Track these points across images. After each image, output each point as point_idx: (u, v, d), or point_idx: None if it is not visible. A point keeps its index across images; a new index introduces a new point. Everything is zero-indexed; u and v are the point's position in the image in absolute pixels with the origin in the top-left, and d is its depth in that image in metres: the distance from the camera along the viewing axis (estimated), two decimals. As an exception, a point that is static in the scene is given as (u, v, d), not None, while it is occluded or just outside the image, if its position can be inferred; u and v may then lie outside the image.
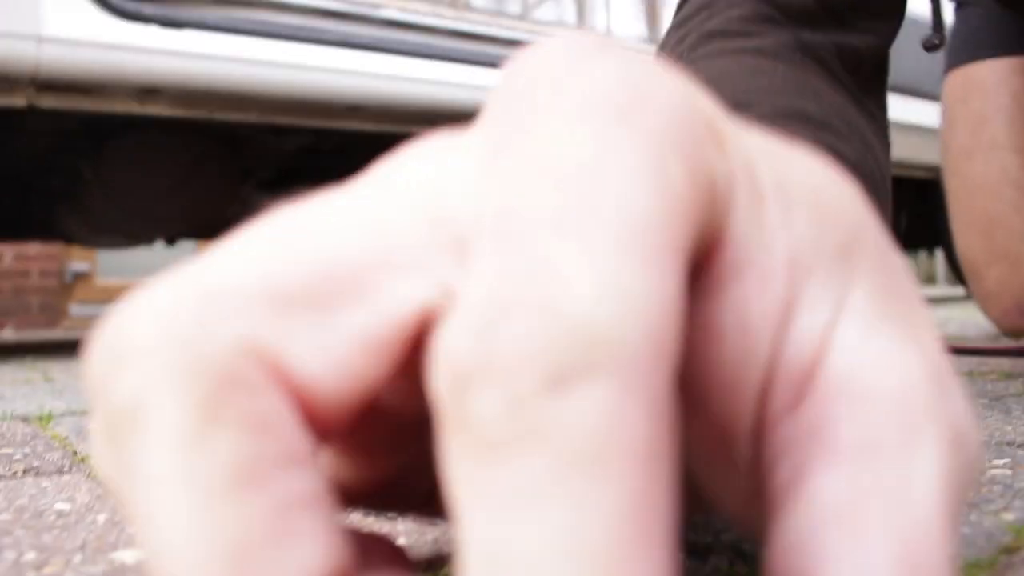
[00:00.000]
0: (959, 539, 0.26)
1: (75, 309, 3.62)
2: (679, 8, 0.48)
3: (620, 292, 0.11)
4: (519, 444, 0.10)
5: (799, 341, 0.14)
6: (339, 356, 0.13)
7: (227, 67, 1.24)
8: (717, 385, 0.14)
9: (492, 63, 1.42)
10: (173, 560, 0.11)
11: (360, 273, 0.13)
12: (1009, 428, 0.44)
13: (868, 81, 0.46)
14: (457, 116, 1.40)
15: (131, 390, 0.12)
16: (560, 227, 0.11)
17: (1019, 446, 0.39)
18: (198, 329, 0.12)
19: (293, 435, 0.12)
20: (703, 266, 0.14)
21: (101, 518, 0.32)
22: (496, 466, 0.10)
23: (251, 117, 1.35)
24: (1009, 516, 0.28)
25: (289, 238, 0.14)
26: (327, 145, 1.76)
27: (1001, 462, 0.36)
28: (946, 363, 0.14)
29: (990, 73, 1.00)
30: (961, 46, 1.05)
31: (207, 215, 1.86)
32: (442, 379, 0.11)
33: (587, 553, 0.10)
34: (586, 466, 0.10)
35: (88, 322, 3.58)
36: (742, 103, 0.35)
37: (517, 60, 0.14)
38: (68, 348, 1.73)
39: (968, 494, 0.14)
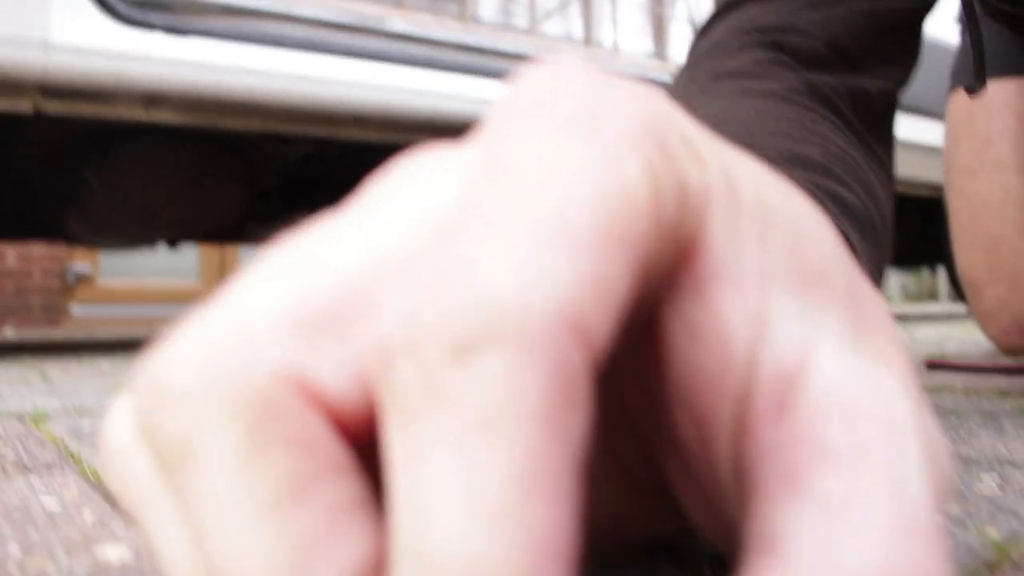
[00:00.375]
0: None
1: (76, 310, 3.63)
2: (692, 47, 0.48)
3: (532, 274, 0.12)
4: (429, 411, 0.11)
5: (777, 353, 0.15)
6: (358, 370, 0.14)
7: (233, 76, 1.25)
8: (698, 386, 0.15)
9: (498, 76, 1.43)
10: (236, 570, 0.13)
11: (372, 291, 0.14)
12: (1000, 445, 0.44)
13: (878, 124, 0.47)
14: (461, 128, 1.41)
15: (181, 428, 0.13)
16: (493, 223, 0.12)
17: (1009, 463, 0.39)
18: (234, 364, 0.13)
19: (332, 449, 0.13)
20: (682, 269, 0.15)
21: (88, 515, 0.32)
22: (412, 432, 0.11)
23: (256, 125, 1.35)
24: (994, 532, 0.28)
25: (305, 264, 0.15)
26: (331, 154, 1.76)
27: (990, 478, 0.36)
28: (917, 387, 0.15)
29: (996, 93, 1.00)
30: (966, 66, 1.05)
31: (210, 220, 1.86)
32: (374, 361, 0.12)
33: (483, 508, 0.10)
34: (483, 429, 0.11)
35: (89, 323, 3.59)
36: (746, 144, 0.35)
37: (512, 84, 0.15)
38: (68, 349, 1.73)
39: (942, 506, 0.15)
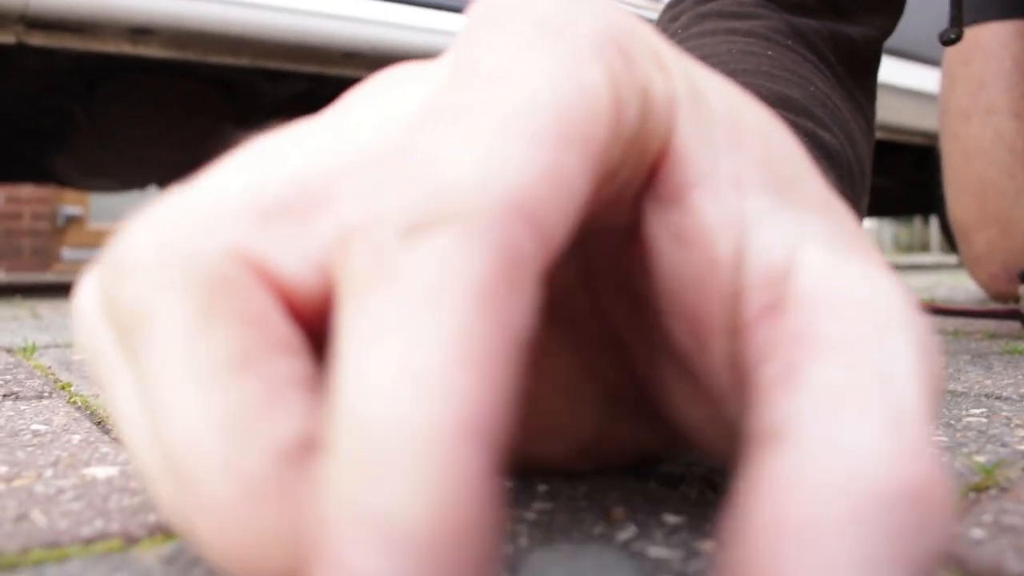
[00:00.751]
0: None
1: (67, 253, 3.61)
2: None
3: (488, 165, 0.12)
4: (378, 286, 0.12)
5: (765, 252, 0.15)
6: (317, 257, 0.14)
7: (221, 8, 1.22)
8: (687, 289, 0.16)
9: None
10: (178, 431, 0.13)
11: (333, 184, 0.15)
12: (989, 382, 0.44)
13: (861, 72, 0.47)
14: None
15: (136, 297, 0.14)
16: (455, 119, 0.13)
17: (996, 398, 0.39)
18: (192, 242, 0.14)
19: (281, 327, 0.14)
20: (658, 177, 0.16)
21: (76, 438, 0.32)
22: (359, 306, 0.12)
23: (245, 61, 1.33)
24: (981, 458, 0.28)
25: (267, 160, 0.16)
26: (323, 92, 1.74)
27: (978, 411, 0.36)
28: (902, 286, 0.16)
29: (993, 36, 0.99)
30: (966, 7, 1.03)
31: (200, 160, 1.85)
32: (334, 246, 0.14)
33: (416, 377, 0.11)
34: (425, 302, 0.11)
35: (80, 266, 3.58)
36: (743, 83, 0.36)
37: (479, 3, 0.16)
38: (59, 290, 1.73)
39: (934, 396, 0.15)
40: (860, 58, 0.46)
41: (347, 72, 1.39)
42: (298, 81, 1.60)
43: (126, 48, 1.26)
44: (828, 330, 0.14)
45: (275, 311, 0.14)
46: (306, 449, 0.13)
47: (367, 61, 1.36)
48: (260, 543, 0.13)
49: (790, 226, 0.16)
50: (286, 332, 0.14)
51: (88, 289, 0.17)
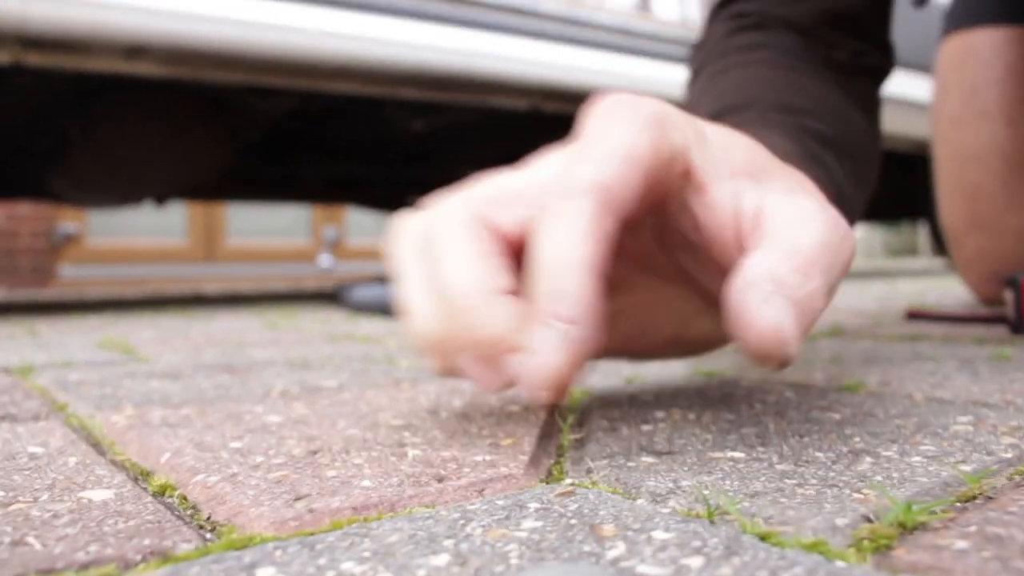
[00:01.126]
0: (914, 486, 0.26)
1: (65, 270, 3.61)
2: (710, 22, 0.62)
3: (595, 173, 0.29)
4: (552, 218, 0.29)
5: (748, 204, 0.32)
6: (514, 219, 0.32)
7: (214, 27, 1.23)
8: (716, 229, 0.33)
9: (482, 27, 1.42)
10: (456, 276, 0.30)
11: (522, 193, 0.32)
12: (976, 388, 0.44)
13: (866, 68, 0.58)
14: (442, 80, 1.40)
15: (433, 226, 0.32)
16: (583, 156, 0.30)
17: (983, 405, 0.40)
18: (460, 206, 0.32)
19: (499, 247, 0.31)
20: (688, 183, 0.32)
21: (72, 460, 0.32)
22: (547, 223, 0.29)
23: (238, 78, 1.34)
24: (967, 468, 0.28)
25: (495, 181, 0.33)
26: (315, 108, 1.75)
27: (965, 419, 0.36)
28: (827, 204, 0.33)
29: (987, 41, 1.00)
30: (961, 11, 1.04)
31: (195, 176, 1.85)
32: (536, 212, 0.31)
33: (570, 242, 0.28)
34: (571, 220, 0.28)
35: (78, 284, 3.57)
36: (748, 102, 0.51)
37: (595, 102, 0.33)
38: (57, 308, 1.73)
39: (845, 253, 0.32)
40: (869, 75, 0.59)
41: (337, 88, 1.40)
42: (290, 97, 1.61)
43: (121, 66, 1.27)
44: (774, 229, 0.30)
45: (496, 241, 0.31)
46: (506, 293, 0.30)
47: (357, 77, 1.37)
48: (486, 322, 0.29)
49: (759, 191, 0.32)
50: (501, 249, 0.31)
51: (402, 227, 0.34)
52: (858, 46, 0.57)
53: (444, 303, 0.30)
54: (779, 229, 0.30)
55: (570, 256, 0.27)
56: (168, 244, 3.82)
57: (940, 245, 2.14)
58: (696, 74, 0.59)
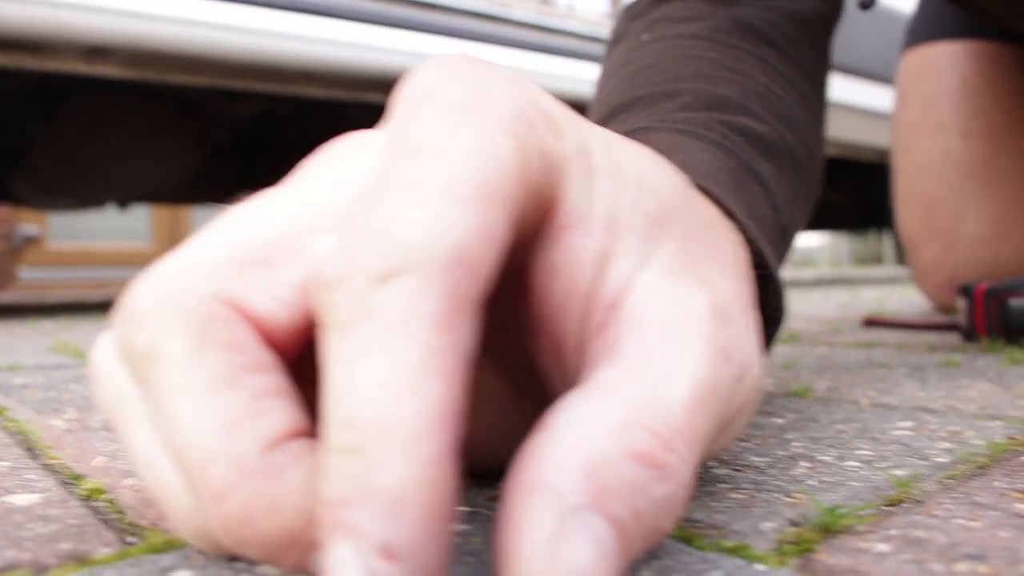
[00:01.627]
0: (845, 490, 0.26)
1: (25, 273, 3.56)
2: None
3: (434, 225, 0.16)
4: (356, 321, 0.15)
5: (610, 281, 0.19)
6: (282, 295, 0.19)
7: (179, 29, 1.22)
8: (552, 308, 0.20)
9: (449, 32, 1.42)
10: (184, 432, 0.17)
11: (293, 239, 0.19)
12: (922, 394, 0.45)
13: (814, 44, 0.48)
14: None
15: (146, 337, 0.18)
16: (404, 188, 0.17)
17: (926, 410, 0.40)
18: (184, 290, 0.18)
19: (259, 352, 0.18)
20: (545, 220, 0.20)
21: (3, 464, 0.31)
22: (344, 337, 0.15)
23: (204, 81, 1.33)
24: (899, 472, 0.28)
25: (246, 220, 0.20)
26: (282, 112, 1.74)
27: (906, 424, 0.37)
28: (739, 307, 0.20)
29: (945, 55, 1.01)
30: (920, 26, 1.05)
31: (159, 179, 1.83)
32: (317, 291, 0.17)
33: (393, 384, 0.15)
34: (395, 330, 0.15)
35: (38, 286, 3.53)
36: (670, 92, 0.40)
37: (410, 75, 0.20)
38: (16, 311, 1.70)
39: (742, 398, 0.20)
40: (813, 31, 0.48)
41: (305, 91, 1.39)
42: (257, 100, 1.60)
43: (83, 68, 1.25)
44: (625, 342, 0.18)
45: (253, 339, 0.18)
46: (284, 441, 0.17)
47: (325, 80, 1.36)
48: (257, 515, 0.17)
49: (639, 258, 0.19)
50: (263, 354, 0.18)
51: (105, 346, 0.21)
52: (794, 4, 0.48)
53: (191, 473, 0.17)
54: (638, 349, 0.18)
55: (400, 412, 0.14)
56: (132, 247, 3.79)
57: (903, 254, 2.18)
58: (612, 47, 0.48)
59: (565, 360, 0.20)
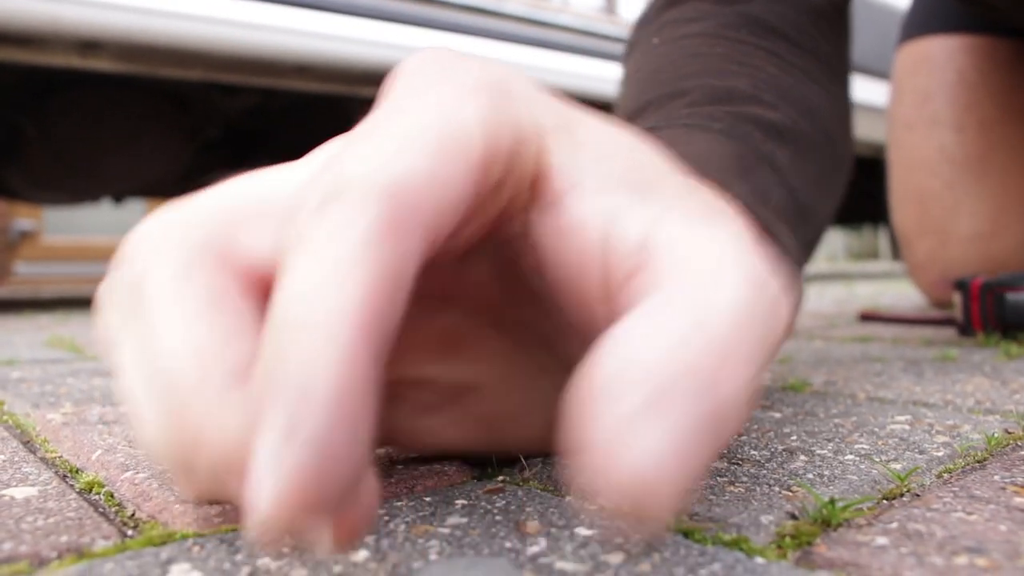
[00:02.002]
0: (843, 484, 0.26)
1: (21, 268, 3.55)
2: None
3: (376, 159, 0.17)
4: (300, 244, 0.17)
5: (627, 230, 0.20)
6: (271, 240, 0.21)
7: (172, 22, 1.21)
8: (571, 268, 0.21)
9: (443, 26, 1.41)
10: (162, 352, 0.19)
11: (286, 203, 0.21)
12: (918, 389, 0.45)
13: (831, 31, 0.48)
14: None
15: (138, 268, 0.20)
16: (364, 136, 0.18)
17: (923, 405, 0.40)
18: (179, 227, 0.21)
19: (236, 290, 0.20)
20: (538, 191, 0.21)
21: (0, 459, 0.31)
22: (291, 260, 0.17)
23: (196, 75, 1.32)
24: (897, 466, 0.29)
25: (243, 183, 0.22)
26: (275, 106, 1.74)
27: (903, 418, 0.37)
28: (753, 243, 0.20)
29: (940, 49, 1.01)
30: (916, 19, 1.05)
31: (153, 173, 1.83)
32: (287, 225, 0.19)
33: (310, 290, 0.16)
34: (328, 245, 0.16)
35: (34, 281, 3.52)
36: (677, 91, 0.41)
37: (401, 63, 0.22)
38: (9, 306, 1.70)
39: (775, 333, 0.19)
40: (827, 18, 0.49)
41: (298, 86, 1.39)
42: (250, 94, 1.59)
43: (75, 61, 1.25)
44: (668, 280, 0.18)
45: (233, 279, 0.20)
46: (247, 371, 0.19)
47: (318, 75, 1.36)
48: (208, 436, 0.18)
49: (648, 212, 0.20)
50: (239, 294, 0.20)
51: (111, 282, 0.22)
52: None
53: (158, 391, 0.19)
54: (677, 279, 0.18)
55: (325, 304, 0.16)
56: (128, 242, 3.78)
57: (898, 249, 2.18)
58: (628, 56, 0.50)
59: (595, 315, 0.21)
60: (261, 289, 0.20)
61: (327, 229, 0.16)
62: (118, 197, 2.14)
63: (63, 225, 3.60)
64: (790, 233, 0.37)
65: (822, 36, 0.48)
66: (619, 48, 1.63)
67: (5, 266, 3.52)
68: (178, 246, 0.20)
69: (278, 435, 0.15)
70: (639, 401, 0.16)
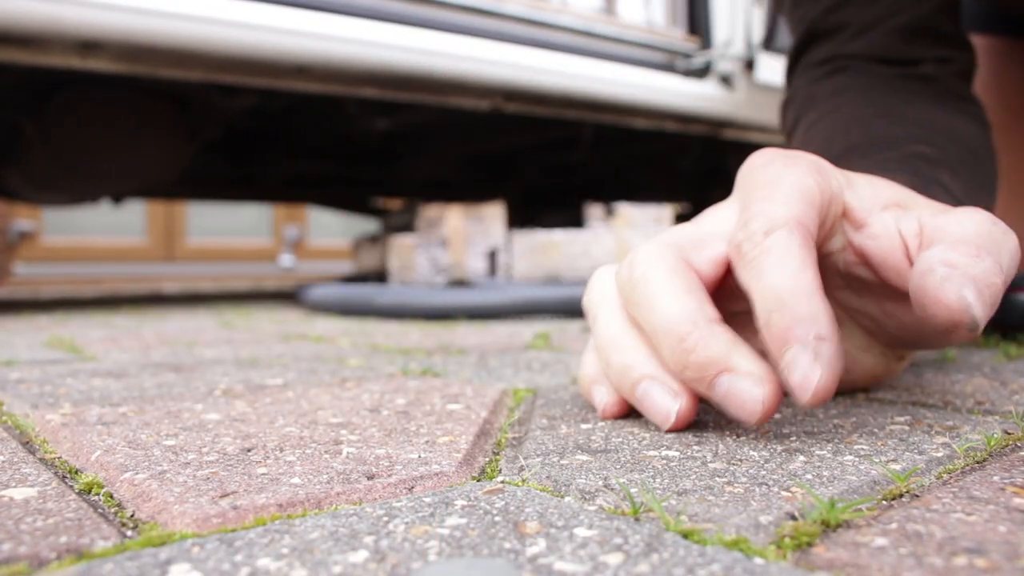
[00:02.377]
0: (843, 484, 0.26)
1: (20, 268, 3.55)
2: (794, 69, 0.67)
3: (784, 208, 0.34)
4: (759, 256, 0.32)
5: (909, 227, 0.37)
6: (711, 258, 0.37)
7: (171, 23, 1.21)
8: (886, 255, 0.37)
9: (442, 27, 1.41)
10: (666, 313, 0.34)
11: (719, 236, 0.37)
12: (918, 390, 0.45)
13: (967, 79, 0.63)
14: (402, 79, 1.39)
15: (639, 271, 0.36)
16: (763, 199, 0.35)
17: (922, 405, 0.40)
18: (663, 251, 0.36)
19: (700, 283, 0.35)
20: (847, 219, 0.38)
21: (-1, 459, 0.31)
22: (754, 266, 0.32)
23: (196, 75, 1.32)
24: (896, 467, 0.28)
25: (692, 225, 0.39)
26: (275, 106, 1.73)
27: (902, 419, 0.37)
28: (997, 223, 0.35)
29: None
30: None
31: (151, 174, 1.83)
32: (730, 249, 0.35)
33: (789, 277, 0.31)
34: (779, 256, 0.32)
35: (34, 282, 3.52)
36: (852, 143, 0.54)
37: (750, 157, 0.38)
38: (9, 307, 1.70)
39: (1010, 244, 0.34)
40: (964, 72, 0.62)
41: (298, 86, 1.39)
42: (250, 95, 1.59)
43: (75, 62, 1.25)
44: (938, 236, 0.34)
45: (696, 276, 0.35)
46: (717, 321, 0.33)
47: (318, 75, 1.36)
48: (701, 353, 0.32)
49: (914, 215, 0.37)
50: (699, 283, 0.35)
51: (601, 279, 0.40)
52: (940, 53, 0.60)
53: (657, 335, 0.34)
54: (942, 234, 0.34)
55: (798, 283, 0.31)
56: (126, 243, 3.77)
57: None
58: (790, 134, 0.64)
59: (905, 274, 0.36)
60: (704, 283, 0.36)
61: (778, 244, 0.32)
62: (117, 198, 2.14)
63: (63, 226, 3.60)
64: None
65: (953, 85, 0.61)
66: (619, 48, 1.63)
67: (4, 267, 3.52)
68: (665, 254, 0.36)
69: (809, 357, 0.30)
70: (943, 272, 0.32)
